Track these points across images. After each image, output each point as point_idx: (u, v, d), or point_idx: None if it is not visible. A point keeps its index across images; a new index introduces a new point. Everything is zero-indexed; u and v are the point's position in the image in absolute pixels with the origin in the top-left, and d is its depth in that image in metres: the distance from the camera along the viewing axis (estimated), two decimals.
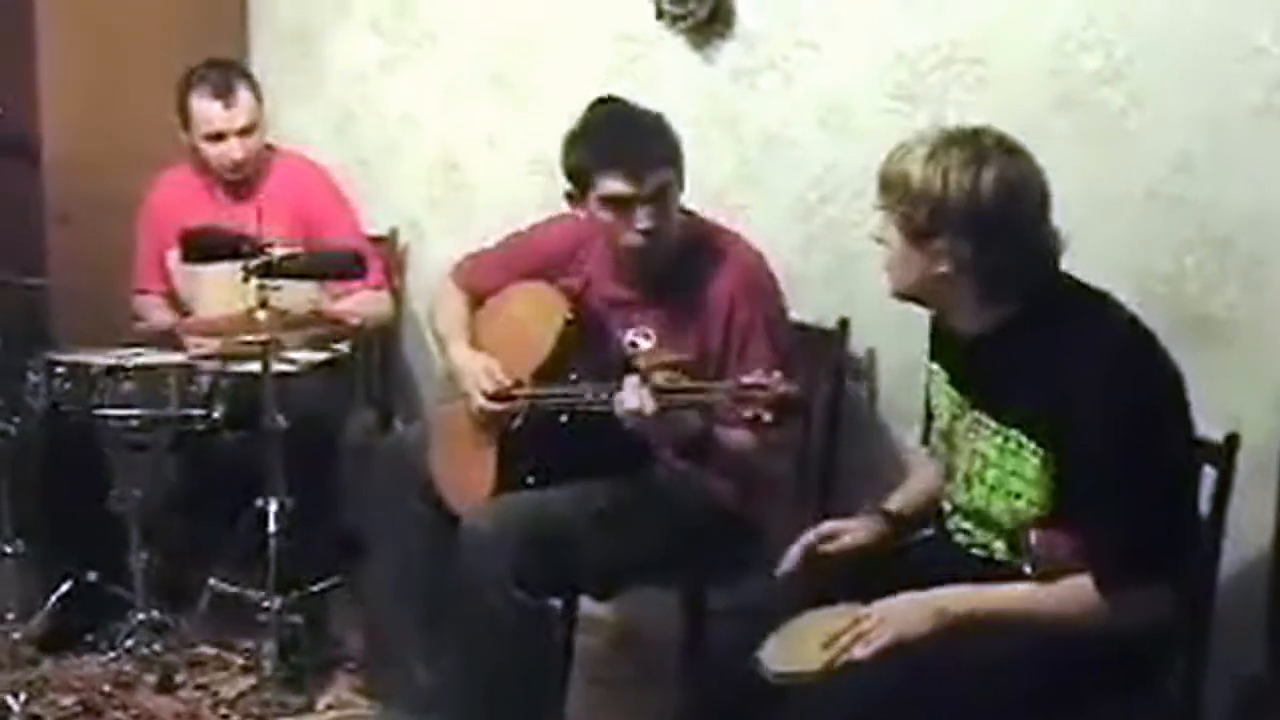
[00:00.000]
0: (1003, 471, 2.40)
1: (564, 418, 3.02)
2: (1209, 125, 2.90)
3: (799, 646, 2.37)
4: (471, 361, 3.23)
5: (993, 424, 2.41)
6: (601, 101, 3.19)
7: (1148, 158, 2.97)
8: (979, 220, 2.31)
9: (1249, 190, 2.86)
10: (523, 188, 4.05)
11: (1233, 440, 2.55)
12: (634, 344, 3.17)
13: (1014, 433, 2.37)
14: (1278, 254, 2.82)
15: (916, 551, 2.65)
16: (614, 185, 3.03)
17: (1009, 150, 2.35)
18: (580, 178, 3.09)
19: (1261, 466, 2.74)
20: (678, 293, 3.15)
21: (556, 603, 3.23)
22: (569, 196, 3.16)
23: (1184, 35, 2.93)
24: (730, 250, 3.18)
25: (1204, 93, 2.90)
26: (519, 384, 3.13)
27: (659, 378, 2.83)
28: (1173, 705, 2.53)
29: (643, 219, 3.04)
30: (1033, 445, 2.34)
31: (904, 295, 2.49)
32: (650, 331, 3.17)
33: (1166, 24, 2.95)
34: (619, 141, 3.07)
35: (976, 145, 2.34)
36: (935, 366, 2.63)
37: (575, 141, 3.12)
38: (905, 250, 2.40)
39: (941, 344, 2.60)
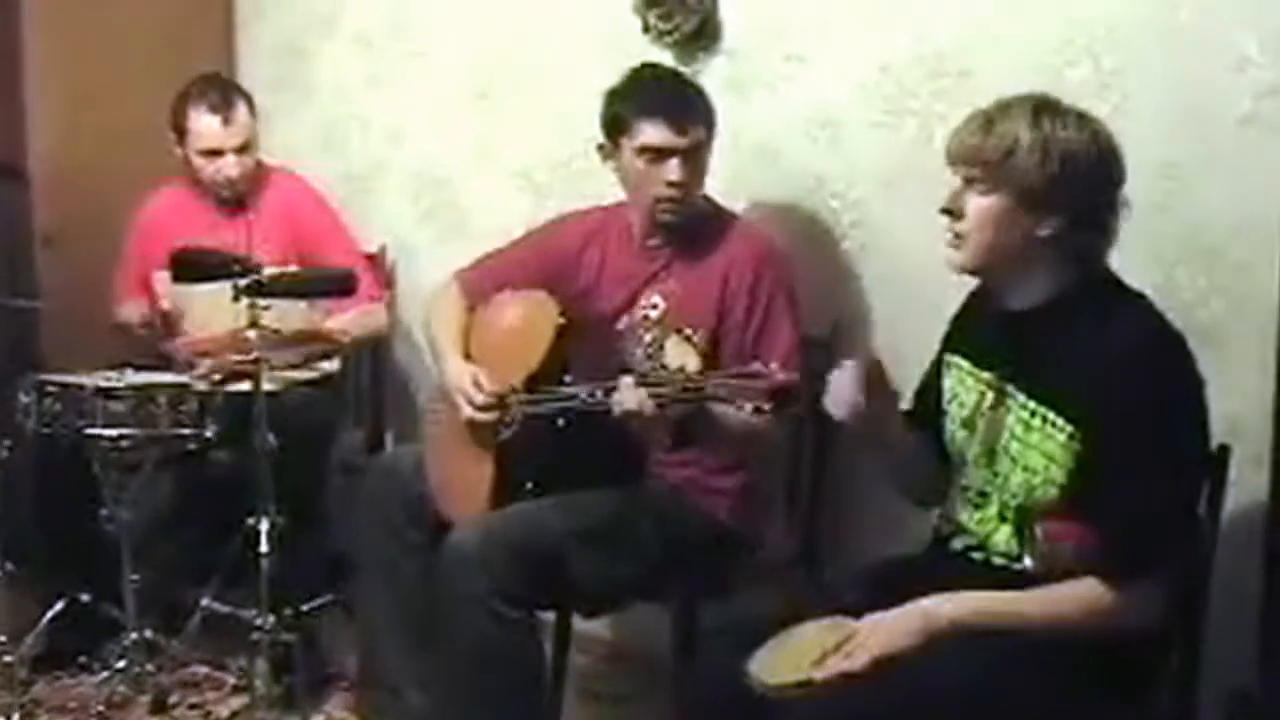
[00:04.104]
0: (1025, 446, 2.41)
1: (560, 421, 2.99)
2: (1196, 135, 2.90)
3: (790, 659, 2.36)
4: (461, 372, 3.19)
5: (1022, 397, 2.43)
6: (646, 65, 3.30)
7: (1135, 168, 2.94)
8: (1092, 182, 2.37)
9: (1236, 199, 2.86)
10: (511, 202, 4.05)
11: (1225, 450, 2.55)
12: (654, 305, 3.22)
13: (1044, 409, 2.39)
14: (1265, 262, 2.82)
15: (917, 566, 2.63)
16: (653, 133, 3.10)
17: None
18: (618, 127, 3.16)
19: (1250, 475, 2.74)
20: (698, 260, 3.19)
21: (548, 618, 3.22)
22: (600, 148, 3.22)
23: (1170, 45, 2.94)
24: (749, 228, 3.27)
25: (1191, 103, 2.91)
26: (512, 390, 3.10)
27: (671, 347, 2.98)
28: (1166, 715, 2.52)
29: (675, 171, 3.11)
30: (1060, 422, 2.36)
31: (978, 268, 2.46)
32: (661, 300, 3.21)
33: (1153, 34, 2.96)
34: (661, 93, 3.17)
35: (1069, 111, 2.38)
36: (954, 358, 2.63)
37: (616, 94, 3.20)
38: (1006, 214, 2.37)
39: (970, 328, 2.62)
